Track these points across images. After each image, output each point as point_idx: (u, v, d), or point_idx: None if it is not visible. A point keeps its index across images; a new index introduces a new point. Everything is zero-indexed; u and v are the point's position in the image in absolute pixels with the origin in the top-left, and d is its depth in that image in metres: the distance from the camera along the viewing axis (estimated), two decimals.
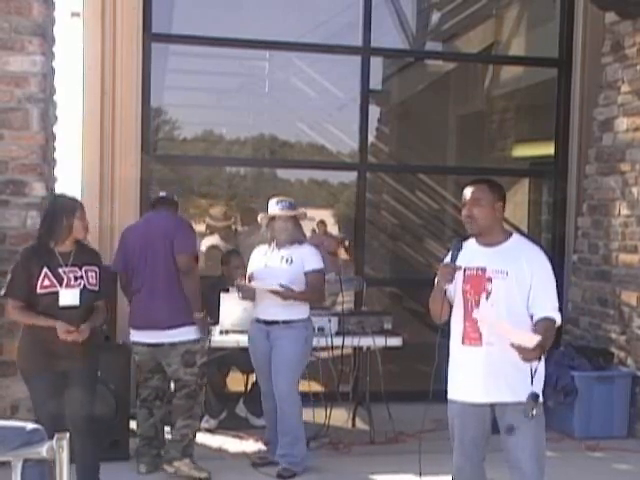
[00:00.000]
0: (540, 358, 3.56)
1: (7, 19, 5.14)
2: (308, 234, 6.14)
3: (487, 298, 3.68)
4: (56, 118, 5.61)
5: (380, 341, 5.97)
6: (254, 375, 6.35)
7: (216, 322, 5.85)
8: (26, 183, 5.18)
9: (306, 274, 5.21)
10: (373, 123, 8.13)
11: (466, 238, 3.87)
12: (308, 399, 5.55)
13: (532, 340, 3.46)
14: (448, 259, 3.78)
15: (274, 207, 5.27)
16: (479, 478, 3.88)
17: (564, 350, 6.41)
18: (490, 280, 3.67)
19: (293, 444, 5.16)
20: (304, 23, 7.43)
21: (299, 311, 5.21)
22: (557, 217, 7.38)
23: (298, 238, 5.29)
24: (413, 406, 6.49)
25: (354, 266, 7.07)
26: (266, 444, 5.47)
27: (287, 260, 5.21)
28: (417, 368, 7.71)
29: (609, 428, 6.16)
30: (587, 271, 6.85)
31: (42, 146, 5.25)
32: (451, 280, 3.70)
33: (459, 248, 3.76)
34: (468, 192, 3.77)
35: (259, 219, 5.39)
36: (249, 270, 5.35)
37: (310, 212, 5.40)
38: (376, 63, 7.49)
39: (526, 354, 3.47)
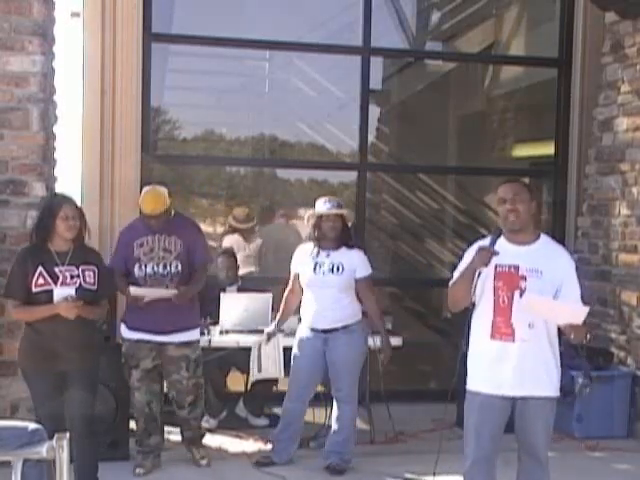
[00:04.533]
0: (586, 337, 3.87)
1: (7, 19, 5.14)
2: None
3: (521, 295, 3.76)
4: (56, 118, 5.61)
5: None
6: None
7: (216, 322, 5.86)
8: (26, 183, 5.19)
9: (357, 281, 5.21)
10: (373, 123, 8.12)
11: (498, 229, 3.92)
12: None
13: (581, 313, 3.64)
14: (486, 243, 3.82)
15: (322, 206, 5.22)
16: (492, 474, 3.93)
17: (564, 350, 6.38)
18: (524, 278, 3.77)
19: (345, 443, 5.27)
20: (304, 23, 7.42)
21: (354, 313, 5.24)
22: (557, 217, 7.38)
23: (346, 241, 5.25)
24: (413, 406, 6.55)
25: None
26: (271, 443, 5.47)
27: (338, 269, 5.16)
28: (417, 368, 7.73)
29: (609, 428, 6.16)
30: (587, 271, 6.84)
31: (42, 146, 5.25)
32: (487, 263, 3.74)
33: (499, 235, 3.83)
34: (509, 189, 3.85)
35: (305, 218, 5.36)
36: (295, 269, 5.31)
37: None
38: (376, 63, 7.48)
39: (577, 332, 3.67)
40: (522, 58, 8.07)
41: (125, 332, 5.17)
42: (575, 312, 3.67)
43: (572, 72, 7.22)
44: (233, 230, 7.64)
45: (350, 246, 5.25)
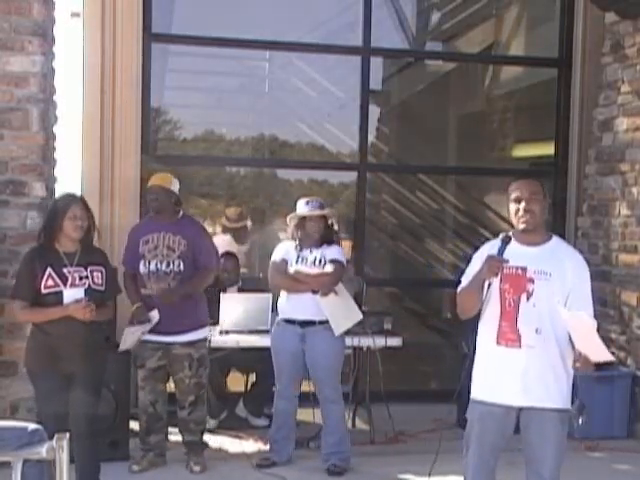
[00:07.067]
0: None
1: (7, 19, 5.14)
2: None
3: (528, 299, 3.60)
4: (56, 118, 5.61)
5: (380, 341, 5.97)
6: (254, 375, 6.37)
7: (216, 322, 5.86)
8: (26, 183, 5.19)
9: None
10: (373, 123, 8.11)
11: (507, 236, 3.71)
12: (308, 399, 5.54)
13: (602, 356, 3.46)
14: (494, 251, 3.65)
15: (304, 207, 5.24)
16: None
17: None
18: (532, 281, 3.60)
19: (340, 442, 5.28)
20: (304, 23, 7.42)
21: None
22: (557, 217, 7.37)
23: (327, 239, 5.28)
24: (413, 406, 6.55)
25: (354, 266, 7.07)
26: (269, 444, 5.46)
27: (320, 261, 5.21)
28: (417, 368, 7.73)
29: (609, 428, 6.16)
30: None
31: (42, 146, 5.25)
32: (497, 274, 3.58)
33: (507, 242, 3.64)
34: (525, 187, 3.65)
35: (287, 219, 5.36)
36: (281, 256, 5.29)
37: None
38: (376, 63, 7.48)
39: (584, 365, 3.51)
40: (522, 58, 8.07)
41: None
42: (600, 353, 3.47)
43: (572, 72, 7.23)
44: (225, 230, 7.60)
45: (330, 243, 5.28)
